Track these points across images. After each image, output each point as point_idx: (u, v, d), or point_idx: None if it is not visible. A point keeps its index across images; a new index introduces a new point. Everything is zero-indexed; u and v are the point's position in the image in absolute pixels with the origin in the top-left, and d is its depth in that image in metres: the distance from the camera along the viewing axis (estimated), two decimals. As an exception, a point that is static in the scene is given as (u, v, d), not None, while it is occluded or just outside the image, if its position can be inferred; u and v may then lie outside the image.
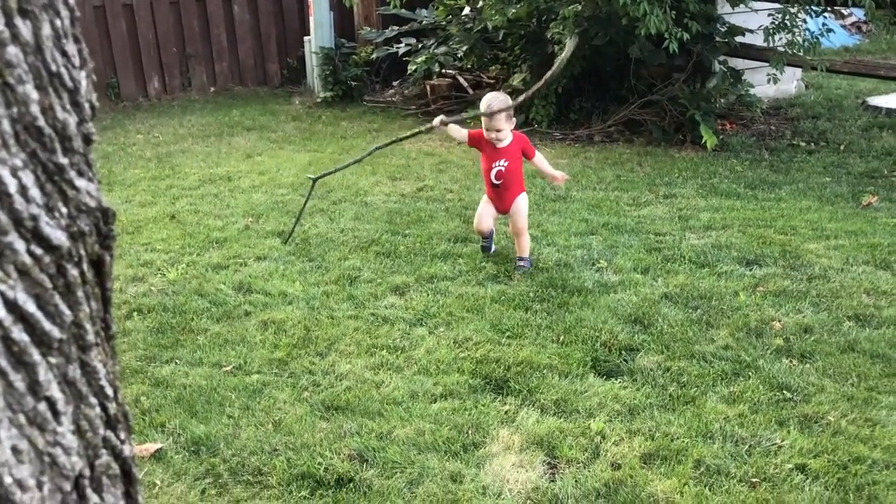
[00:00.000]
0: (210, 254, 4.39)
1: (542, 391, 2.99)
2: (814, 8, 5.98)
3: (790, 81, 8.08)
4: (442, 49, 8.09)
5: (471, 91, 8.05)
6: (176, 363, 3.25)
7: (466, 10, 7.95)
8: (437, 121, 4.00)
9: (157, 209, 5.18)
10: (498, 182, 4.12)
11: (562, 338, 3.39)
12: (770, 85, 6.38)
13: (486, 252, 4.30)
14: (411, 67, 8.04)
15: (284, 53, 9.67)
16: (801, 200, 5.17)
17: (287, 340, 3.42)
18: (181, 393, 3.02)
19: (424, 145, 6.81)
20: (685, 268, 4.08)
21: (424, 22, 8.52)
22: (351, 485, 2.49)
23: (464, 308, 3.66)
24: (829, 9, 6.30)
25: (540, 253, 4.30)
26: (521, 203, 4.18)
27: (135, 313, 3.67)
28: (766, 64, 6.34)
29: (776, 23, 6.06)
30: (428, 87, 8.22)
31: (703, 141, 6.28)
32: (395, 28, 8.63)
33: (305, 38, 9.05)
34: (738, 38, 6.69)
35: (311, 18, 8.72)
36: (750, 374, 3.10)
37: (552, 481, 2.52)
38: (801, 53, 6.12)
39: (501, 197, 4.16)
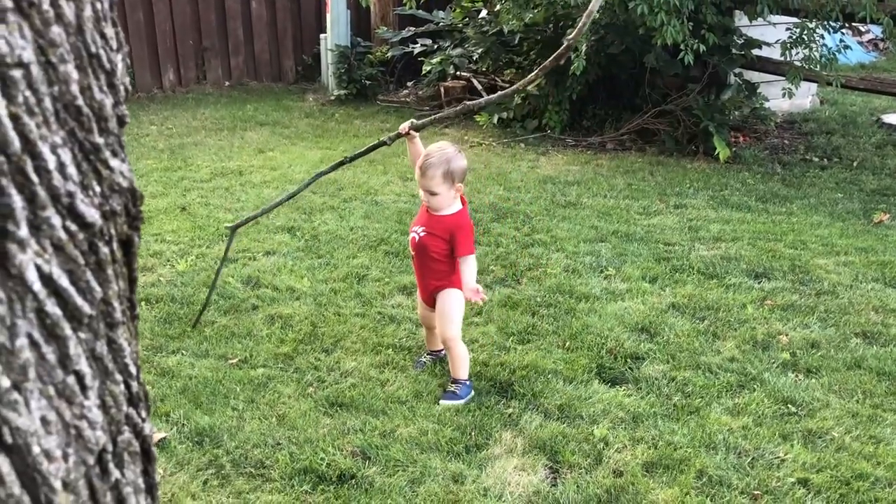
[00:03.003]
0: (219, 247, 4.41)
1: (546, 396, 2.99)
2: (832, 24, 5.97)
3: (805, 96, 8.07)
4: (457, 51, 8.11)
5: (485, 94, 8.06)
6: (182, 354, 3.27)
7: (483, 13, 7.96)
8: (405, 126, 3.12)
9: (169, 200, 5.20)
10: (412, 254, 3.11)
11: (568, 343, 3.39)
12: (785, 99, 6.37)
13: (422, 366, 3.23)
14: (426, 68, 8.05)
15: (300, 50, 9.70)
16: (812, 215, 5.16)
17: (293, 335, 3.43)
18: (186, 383, 3.03)
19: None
20: (693, 278, 4.08)
21: (441, 23, 8.54)
22: (353, 481, 2.50)
23: (470, 310, 3.67)
24: (846, 25, 6.30)
25: (549, 259, 4.30)
26: (445, 300, 3.04)
27: (143, 303, 3.68)
28: (782, 78, 6.34)
29: (794, 37, 6.05)
30: (442, 89, 8.23)
31: (716, 153, 6.27)
32: (412, 29, 8.65)
33: (321, 36, 9.08)
34: (755, 51, 6.68)
35: (328, 16, 8.75)
36: (755, 386, 3.09)
37: (553, 486, 2.52)
38: (817, 69, 6.11)
39: (421, 280, 3.13)
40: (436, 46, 8.36)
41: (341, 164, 3.41)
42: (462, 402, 2.95)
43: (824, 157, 6.65)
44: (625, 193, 5.58)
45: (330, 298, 3.80)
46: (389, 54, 8.74)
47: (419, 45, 8.50)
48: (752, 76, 6.96)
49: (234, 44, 9.32)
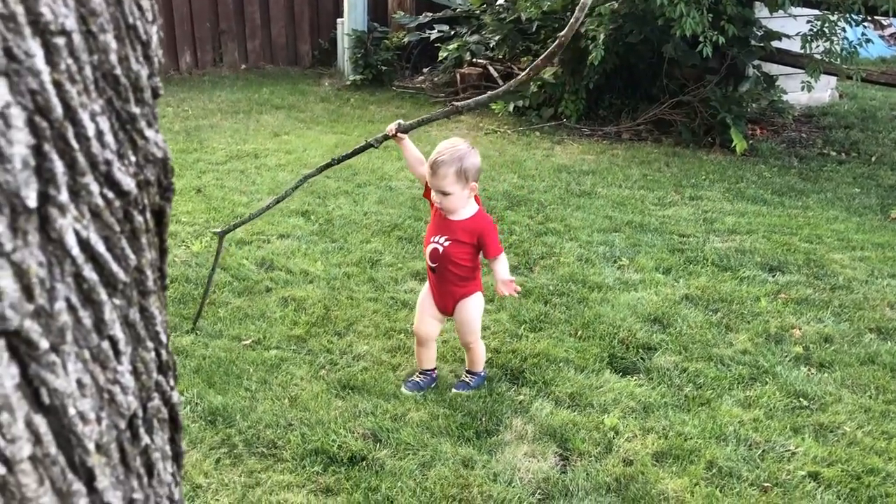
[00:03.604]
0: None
1: (557, 384, 3.00)
2: (853, 17, 5.91)
3: (824, 90, 8.00)
4: (474, 38, 8.08)
5: (501, 81, 8.03)
6: (196, 334, 3.29)
7: (501, 0, 7.92)
8: (391, 127, 2.89)
9: (184, 182, 5.22)
10: (433, 265, 2.89)
11: (580, 332, 3.39)
12: (803, 92, 6.32)
13: (410, 387, 2.97)
14: (442, 54, 8.03)
15: (316, 34, 9.69)
16: (828, 210, 5.13)
17: (306, 318, 3.45)
18: (200, 363, 3.06)
19: (451, 133, 6.81)
20: (707, 270, 4.07)
21: (458, 10, 8.51)
22: (364, 463, 2.52)
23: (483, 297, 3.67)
24: (868, 18, 6.23)
25: (562, 248, 4.30)
26: (469, 307, 2.92)
27: (158, 282, 3.71)
28: (801, 71, 6.29)
29: (815, 30, 6.00)
30: (458, 76, 8.21)
31: (733, 145, 6.24)
32: (429, 14, 8.63)
33: (338, 20, 9.07)
34: (775, 43, 6.63)
35: (346, 0, 8.74)
36: (767, 379, 3.09)
37: (563, 473, 2.53)
38: (837, 62, 6.05)
39: (439, 289, 2.93)
40: (453, 33, 8.34)
41: (328, 165, 3.16)
42: (478, 385, 2.99)
43: (842, 152, 6.60)
44: (640, 184, 5.56)
45: (343, 282, 3.81)
46: (406, 40, 8.72)
47: (436, 30, 8.48)
48: (771, 68, 6.91)
49: (251, 27, 9.32)
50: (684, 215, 4.93)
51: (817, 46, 6.06)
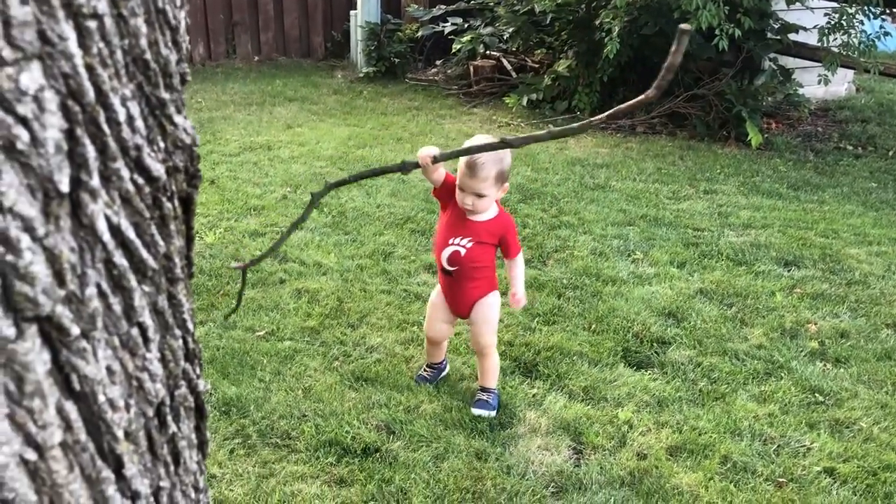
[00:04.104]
0: (248, 220, 4.44)
1: (570, 377, 2.99)
2: (872, 9, 5.85)
3: (841, 83, 7.93)
4: (488, 30, 8.05)
5: (514, 74, 8.00)
6: (210, 325, 3.30)
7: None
8: (425, 154, 2.37)
9: (198, 173, 5.24)
10: (451, 269, 2.72)
11: (593, 326, 3.38)
12: (820, 86, 6.26)
13: (420, 380, 2.95)
14: (456, 46, 8.01)
15: (329, 26, 9.68)
16: (844, 204, 5.08)
17: (320, 310, 3.45)
18: (214, 354, 3.06)
19: (465, 126, 6.80)
20: (722, 264, 4.04)
21: (472, 2, 8.47)
22: (377, 455, 2.52)
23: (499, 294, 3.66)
24: (887, 11, 6.16)
25: (576, 241, 4.29)
26: (487, 308, 2.79)
27: (173, 273, 3.72)
28: (818, 64, 6.23)
29: (832, 23, 5.94)
30: (471, 68, 8.19)
31: (748, 138, 6.19)
32: (443, 7, 8.60)
33: (351, 12, 9.05)
34: (791, 36, 6.57)
35: (359, -7, 8.72)
36: (782, 374, 3.07)
37: (577, 466, 2.52)
38: (855, 55, 5.99)
39: (455, 293, 2.79)
40: (466, 25, 8.31)
41: (342, 182, 2.96)
42: (495, 412, 2.77)
43: (859, 146, 6.54)
44: (654, 177, 5.53)
45: (356, 274, 3.81)
46: (419, 32, 8.70)
47: (449, 23, 8.45)
48: (787, 62, 6.85)
49: (265, 19, 9.32)
50: (699, 209, 4.91)
51: (835, 39, 6.00)
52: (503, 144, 2.54)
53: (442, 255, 2.72)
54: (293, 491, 2.33)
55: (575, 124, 1.60)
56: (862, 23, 5.99)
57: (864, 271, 4.01)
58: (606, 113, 1.36)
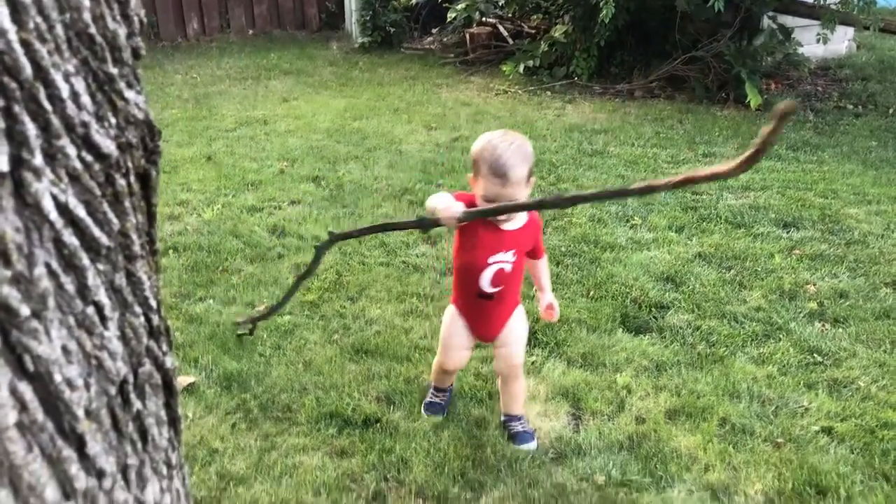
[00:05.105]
0: (245, 196, 4.43)
1: (569, 344, 3.00)
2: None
3: (841, 41, 7.83)
4: (483, -4, 7.95)
5: (511, 41, 7.92)
6: (210, 301, 3.31)
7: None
8: (449, 216, 2.07)
9: (194, 150, 5.21)
10: (492, 291, 2.36)
11: (592, 293, 3.38)
12: (819, 45, 6.18)
13: (432, 411, 2.62)
14: (451, 14, 7.92)
15: (323, -2, 9.58)
16: (844, 164, 5.05)
17: (319, 284, 3.45)
18: (214, 330, 3.07)
19: (462, 94, 6.75)
20: (721, 228, 4.03)
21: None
22: (378, 425, 2.54)
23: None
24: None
25: (574, 208, 4.27)
26: (520, 325, 2.49)
27: (170, 251, 3.72)
28: (817, 22, 6.14)
29: (830, -21, 5.85)
30: (467, 36, 8.10)
31: (747, 100, 6.14)
32: (437, -26, 8.49)
33: (345, -17, 8.96)
34: (790, -5, 6.48)
35: (352, -38, 8.61)
36: (781, 336, 3.07)
37: (576, 432, 2.54)
38: (854, 12, 5.91)
39: (490, 317, 2.44)
40: (461, -8, 8.20)
41: (348, 235, 2.42)
42: (535, 438, 2.50)
43: (859, 105, 6.48)
44: (653, 142, 5.49)
45: (354, 248, 3.81)
46: (414, 1, 8.60)
47: (444, -10, 8.35)
48: (786, 20, 6.75)
49: (258, -8, 9.23)
50: (698, 172, 4.87)
51: (834, -4, 5.92)
52: (538, 204, 2.13)
53: (482, 278, 2.32)
54: (295, 463, 2.35)
55: (635, 185, 1.31)
56: (861, -22, 5.90)
57: (863, 231, 3.99)
58: (675, 179, 1.23)
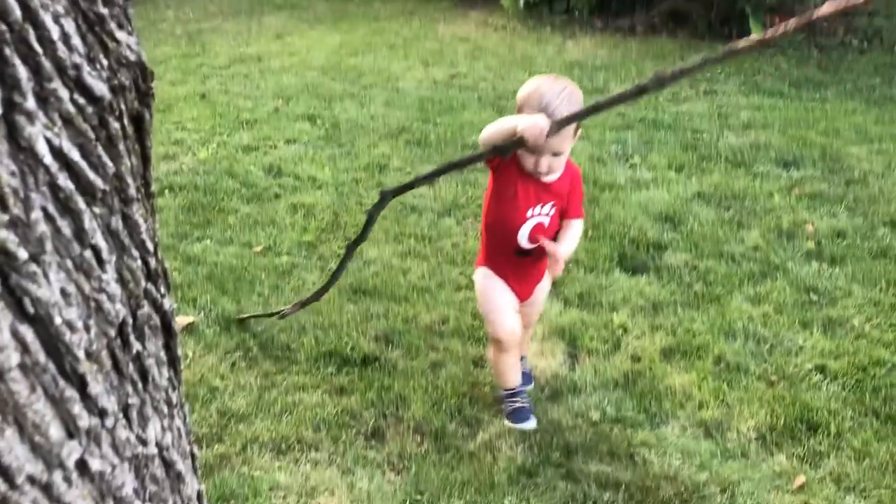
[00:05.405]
0: (240, 135, 4.39)
1: (566, 284, 3.01)
2: None
3: (847, -25, 7.65)
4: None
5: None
6: (207, 241, 3.31)
7: None
8: (533, 125, 1.85)
9: (188, 88, 5.15)
10: (530, 247, 2.21)
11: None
12: (826, -22, 6.05)
13: (519, 419, 2.30)
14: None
15: (318, -71, 9.32)
16: (847, 102, 5.00)
17: (316, 224, 3.45)
18: (212, 270, 3.08)
19: (459, 29, 6.63)
20: (721, 167, 4.01)
21: None
22: (376, 363, 2.57)
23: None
24: None
25: (573, 147, 4.23)
26: (548, 285, 2.42)
27: (167, 191, 3.71)
28: (824, -45, 5.99)
29: None
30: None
31: (751, 35, 6.03)
32: None
33: (340, -86, 8.69)
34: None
35: None
36: (778, 275, 3.09)
37: (572, 370, 2.57)
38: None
39: (527, 274, 2.30)
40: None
41: (404, 189, 2.17)
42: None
43: (864, 40, 6.38)
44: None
45: (351, 188, 3.80)
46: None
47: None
48: (793, -47, 6.59)
49: (250, -77, 8.96)
50: (698, 111, 4.83)
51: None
52: (639, 91, 1.67)
53: (520, 233, 2.17)
54: (294, 400, 2.39)
55: (718, 54, 1.16)
56: None
57: (863, 170, 3.98)
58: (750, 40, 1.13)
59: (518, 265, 2.24)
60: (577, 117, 1.80)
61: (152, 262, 0.65)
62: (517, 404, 2.31)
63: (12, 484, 0.53)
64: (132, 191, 0.61)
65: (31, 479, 0.54)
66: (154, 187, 0.66)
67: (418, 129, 4.44)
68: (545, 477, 2.08)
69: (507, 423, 2.29)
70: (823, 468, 2.14)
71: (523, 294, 2.30)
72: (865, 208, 3.60)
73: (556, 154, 2.04)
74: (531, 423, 2.28)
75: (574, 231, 2.23)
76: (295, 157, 4.11)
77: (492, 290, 2.26)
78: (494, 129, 1.99)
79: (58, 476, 0.56)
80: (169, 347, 0.70)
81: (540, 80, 2.08)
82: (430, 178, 1.99)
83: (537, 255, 2.23)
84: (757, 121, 4.64)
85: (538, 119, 1.83)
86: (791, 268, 3.13)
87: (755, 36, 1.16)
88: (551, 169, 2.09)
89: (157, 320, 0.67)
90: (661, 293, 2.97)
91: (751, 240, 3.34)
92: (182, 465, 0.74)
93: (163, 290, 0.67)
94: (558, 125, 1.76)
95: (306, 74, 5.45)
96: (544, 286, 2.37)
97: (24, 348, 0.52)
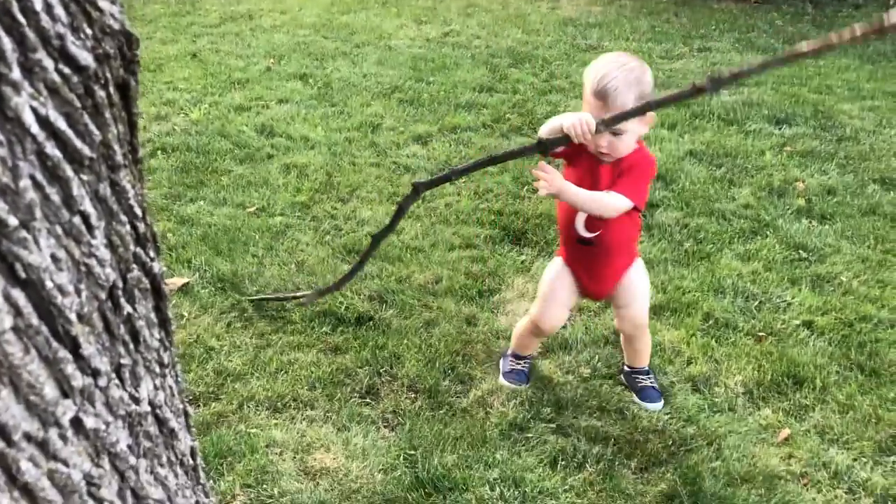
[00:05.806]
0: (232, 94, 4.37)
1: (558, 243, 3.03)
2: None
3: (845, -72, 7.55)
4: None
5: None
6: (201, 202, 3.32)
7: None
8: (579, 122, 1.77)
9: (179, 47, 5.10)
10: (589, 236, 2.13)
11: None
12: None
13: (514, 379, 2.34)
14: None
15: None
16: (840, 58, 4.98)
17: (309, 185, 3.46)
18: (206, 231, 3.10)
19: (452, -12, 6.55)
20: (713, 125, 4.01)
21: None
22: (370, 323, 2.60)
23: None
24: None
25: (567, 106, 4.23)
26: (641, 280, 2.24)
27: (159, 152, 3.70)
28: None
29: None
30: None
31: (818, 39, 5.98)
32: None
33: None
34: None
35: None
36: (768, 233, 3.12)
37: (563, 328, 2.61)
38: None
39: (596, 268, 2.19)
40: None
41: (439, 181, 1.90)
42: (661, 398, 2.30)
43: (860, -4, 6.33)
44: (647, 36, 5.38)
45: (344, 148, 3.79)
46: None
47: None
48: None
49: None
50: (692, 68, 4.81)
51: None
52: (696, 92, 1.43)
53: (577, 221, 2.11)
54: (290, 360, 2.43)
55: (781, 55, 1.13)
56: None
57: (855, 127, 3.99)
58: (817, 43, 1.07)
59: (584, 256, 2.17)
60: (623, 117, 1.70)
61: (141, 227, 0.67)
62: (518, 366, 2.38)
63: (9, 441, 0.56)
64: (119, 157, 0.62)
65: (28, 437, 0.57)
66: (141, 153, 0.68)
67: (411, 88, 4.42)
68: (536, 431, 2.13)
69: (501, 380, 2.35)
70: (808, 421, 2.19)
71: (598, 290, 2.23)
72: (856, 165, 3.61)
73: (614, 134, 1.94)
74: (521, 387, 2.34)
75: (603, 195, 2.01)
76: (287, 116, 4.10)
77: (554, 278, 2.25)
78: (548, 129, 1.94)
79: (53, 433, 0.59)
80: (159, 309, 0.72)
81: (606, 56, 1.99)
82: (466, 171, 1.82)
83: (602, 247, 2.13)
84: (750, 78, 4.62)
85: (583, 116, 1.77)
86: (781, 225, 3.15)
87: (821, 39, 1.12)
88: (611, 150, 1.98)
89: (146, 283, 0.69)
90: (652, 251, 2.99)
91: (742, 197, 3.36)
92: (175, 423, 0.77)
93: (152, 253, 0.69)
94: (605, 124, 1.70)
95: (298, 32, 5.40)
96: (635, 284, 2.21)
97: (16, 311, 0.54)
